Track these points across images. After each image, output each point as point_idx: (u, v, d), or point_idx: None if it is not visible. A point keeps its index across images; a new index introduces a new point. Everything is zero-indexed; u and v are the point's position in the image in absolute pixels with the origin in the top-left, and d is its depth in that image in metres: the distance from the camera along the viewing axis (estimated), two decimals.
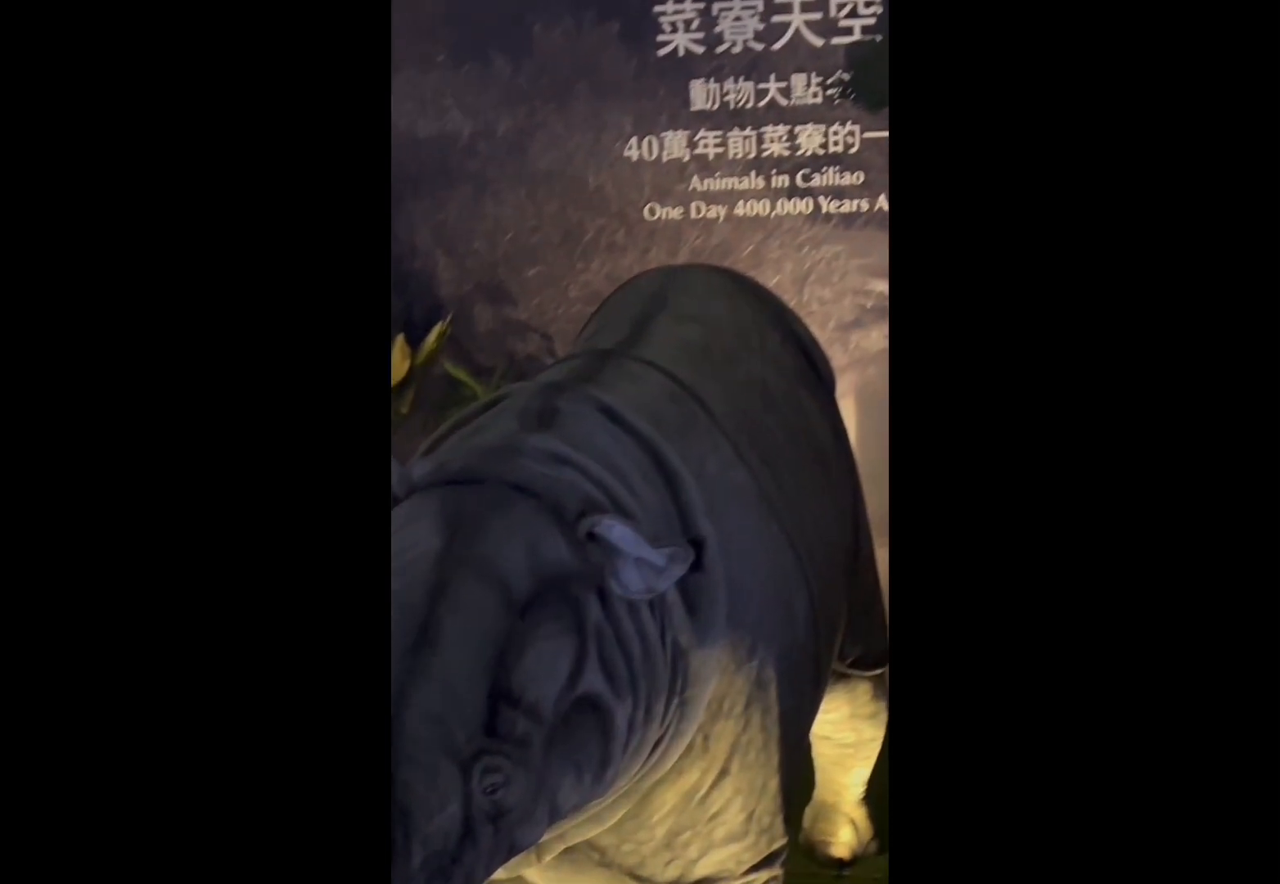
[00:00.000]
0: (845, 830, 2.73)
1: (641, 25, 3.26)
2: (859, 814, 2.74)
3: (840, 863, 2.72)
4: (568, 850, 1.79)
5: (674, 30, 3.21)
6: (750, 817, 1.85)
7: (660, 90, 3.27)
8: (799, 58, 3.17)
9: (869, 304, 3.33)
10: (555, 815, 1.60)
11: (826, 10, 3.19)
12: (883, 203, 3.32)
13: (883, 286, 3.37)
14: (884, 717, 2.59)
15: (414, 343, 3.48)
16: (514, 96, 3.44)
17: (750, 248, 3.28)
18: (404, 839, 1.39)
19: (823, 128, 3.20)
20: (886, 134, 3.27)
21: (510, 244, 3.59)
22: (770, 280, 2.94)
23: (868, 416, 3.08)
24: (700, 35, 3.21)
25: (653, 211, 3.36)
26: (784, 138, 3.23)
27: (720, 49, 3.19)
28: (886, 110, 3.02)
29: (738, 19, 3.18)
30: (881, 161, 3.24)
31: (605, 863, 1.86)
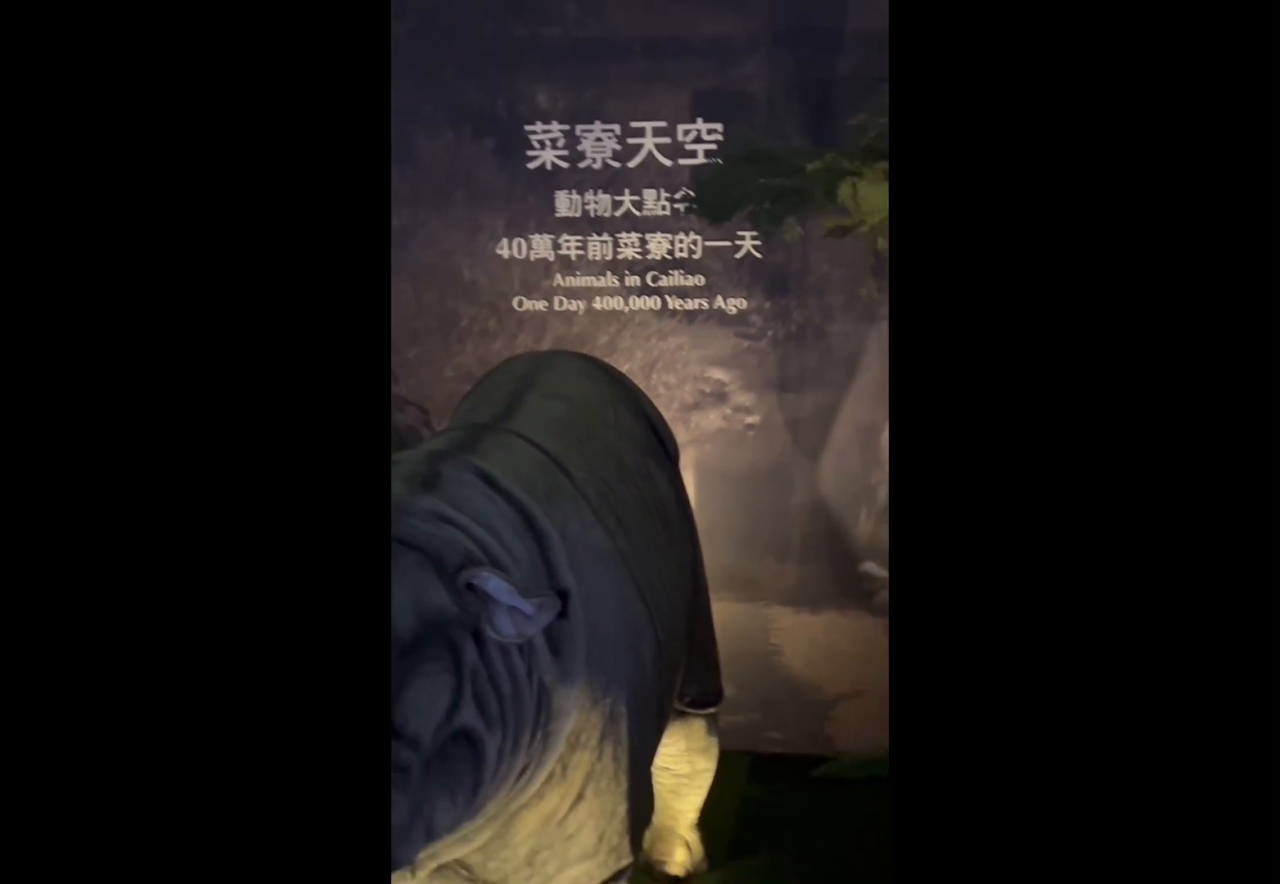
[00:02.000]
0: (680, 851, 2.93)
1: (513, 142, 3.48)
2: (693, 837, 2.94)
3: (675, 880, 2.91)
4: (440, 867, 1.90)
5: (542, 147, 3.45)
6: (601, 837, 1.98)
7: (529, 198, 3.50)
8: (650, 175, 3.42)
9: (707, 389, 3.55)
10: (431, 836, 1.71)
11: (674, 135, 3.45)
12: (720, 303, 3.56)
13: (720, 374, 3.63)
14: (715, 751, 2.86)
15: None
16: (400, 199, 3.55)
17: (606, 338, 3.50)
18: None
19: (670, 236, 3.45)
20: (727, 243, 3.55)
21: (394, 328, 3.77)
22: (623, 366, 3.09)
23: (704, 486, 3.36)
24: (565, 152, 3.45)
25: (520, 303, 3.57)
26: (636, 243, 3.48)
27: (582, 165, 3.43)
28: (727, 222, 3.31)
29: (598, 140, 3.41)
30: (721, 266, 3.56)
31: (472, 879, 1.97)
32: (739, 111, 3.46)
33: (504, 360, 2.88)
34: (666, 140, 3.40)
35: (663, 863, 2.93)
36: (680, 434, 3.01)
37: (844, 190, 3.13)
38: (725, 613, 3.08)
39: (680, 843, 2.93)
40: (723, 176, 3.30)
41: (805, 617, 3.74)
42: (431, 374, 3.61)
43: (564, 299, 3.55)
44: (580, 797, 1.95)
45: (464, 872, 1.95)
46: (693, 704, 2.68)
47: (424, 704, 1.62)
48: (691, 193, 3.35)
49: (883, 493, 3.79)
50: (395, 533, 1.73)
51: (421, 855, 1.78)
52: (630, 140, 3.40)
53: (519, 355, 2.96)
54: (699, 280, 3.47)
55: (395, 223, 3.70)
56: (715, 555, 3.03)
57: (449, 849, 1.87)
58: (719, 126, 3.36)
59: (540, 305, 3.58)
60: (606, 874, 2.01)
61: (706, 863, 2.97)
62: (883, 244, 3.26)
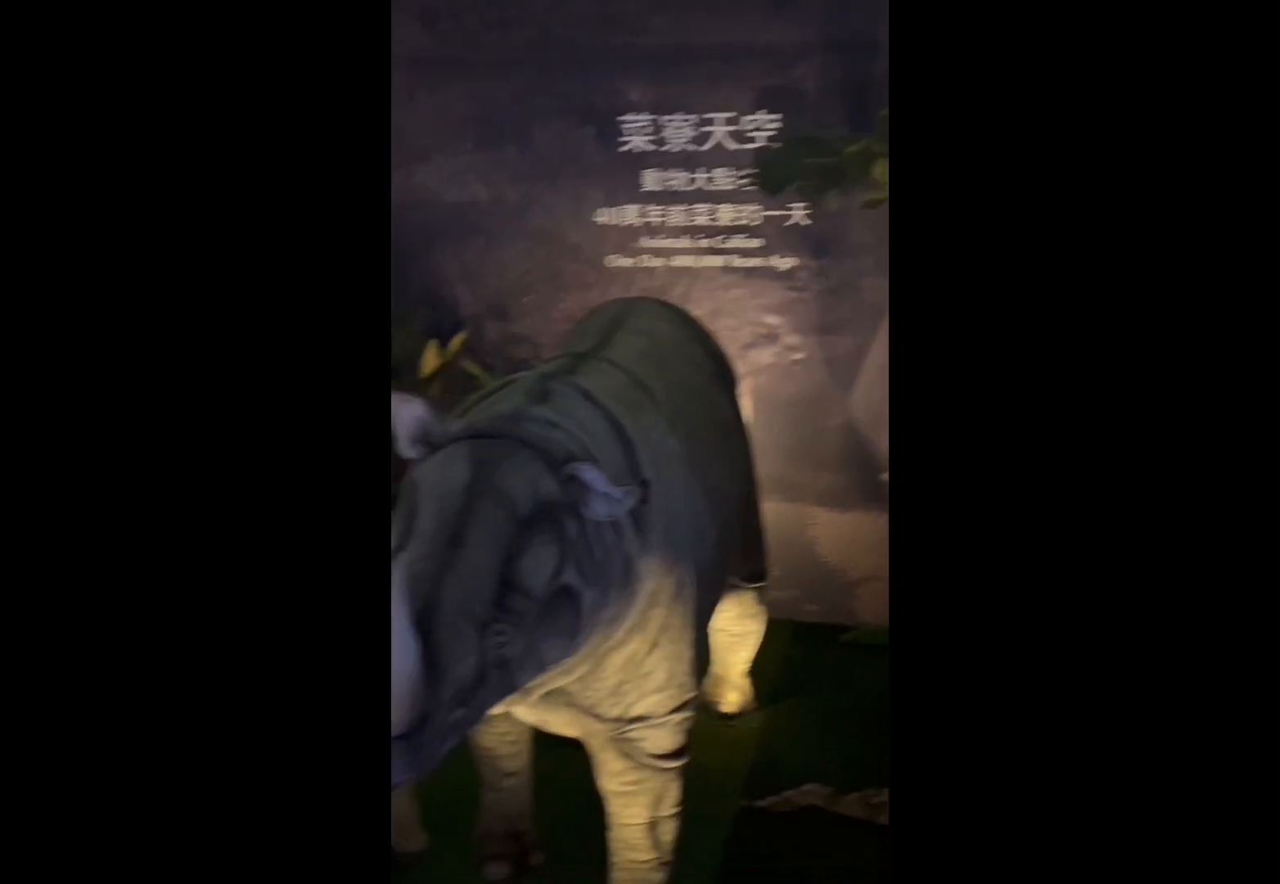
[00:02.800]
0: (733, 694, 3.32)
1: (609, 130, 3.82)
2: (743, 684, 3.32)
3: (727, 717, 3.31)
4: (546, 694, 2.08)
5: (632, 134, 3.79)
6: (670, 676, 2.16)
7: (621, 175, 3.82)
8: (719, 156, 3.73)
9: (762, 332, 3.85)
10: (540, 668, 1.87)
11: (739, 124, 3.73)
12: (773, 261, 3.84)
13: (772, 320, 3.91)
14: (763, 618, 3.22)
15: (443, 347, 3.87)
16: (519, 175, 3.93)
17: (681, 289, 3.85)
18: (436, 681, 1.63)
19: (734, 206, 3.77)
20: (781, 212, 3.85)
21: (511, 280, 4.09)
22: (694, 312, 3.30)
23: (758, 409, 3.62)
24: (651, 138, 3.77)
25: (612, 261, 3.96)
26: (707, 213, 3.84)
27: (664, 148, 3.76)
28: (780, 195, 3.64)
29: (678, 128, 3.73)
30: (775, 232, 3.85)
31: (570, 703, 2.16)
32: (793, 105, 3.68)
33: (599, 305, 3.22)
34: (733, 128, 3.70)
35: (718, 703, 3.30)
36: (739, 367, 3.30)
37: (877, 169, 3.40)
38: (773, 511, 3.39)
39: (733, 687, 3.30)
40: (778, 158, 3.65)
41: (836, 515, 4.00)
42: (541, 317, 3.98)
43: (648, 257, 3.93)
44: (655, 644, 2.13)
45: (564, 698, 2.13)
46: (745, 579, 3.05)
47: (536, 566, 1.78)
48: (753, 171, 3.67)
49: None
50: (516, 433, 1.89)
51: (532, 683, 1.92)
52: (704, 128, 3.73)
53: (611, 301, 3.27)
54: (757, 243, 3.81)
55: (514, 195, 4.09)
56: (766, 465, 3.28)
57: (553, 680, 2.00)
58: (777, 117, 3.62)
59: (628, 262, 3.91)
60: (673, 705, 2.21)
61: (754, 705, 3.33)
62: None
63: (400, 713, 1.66)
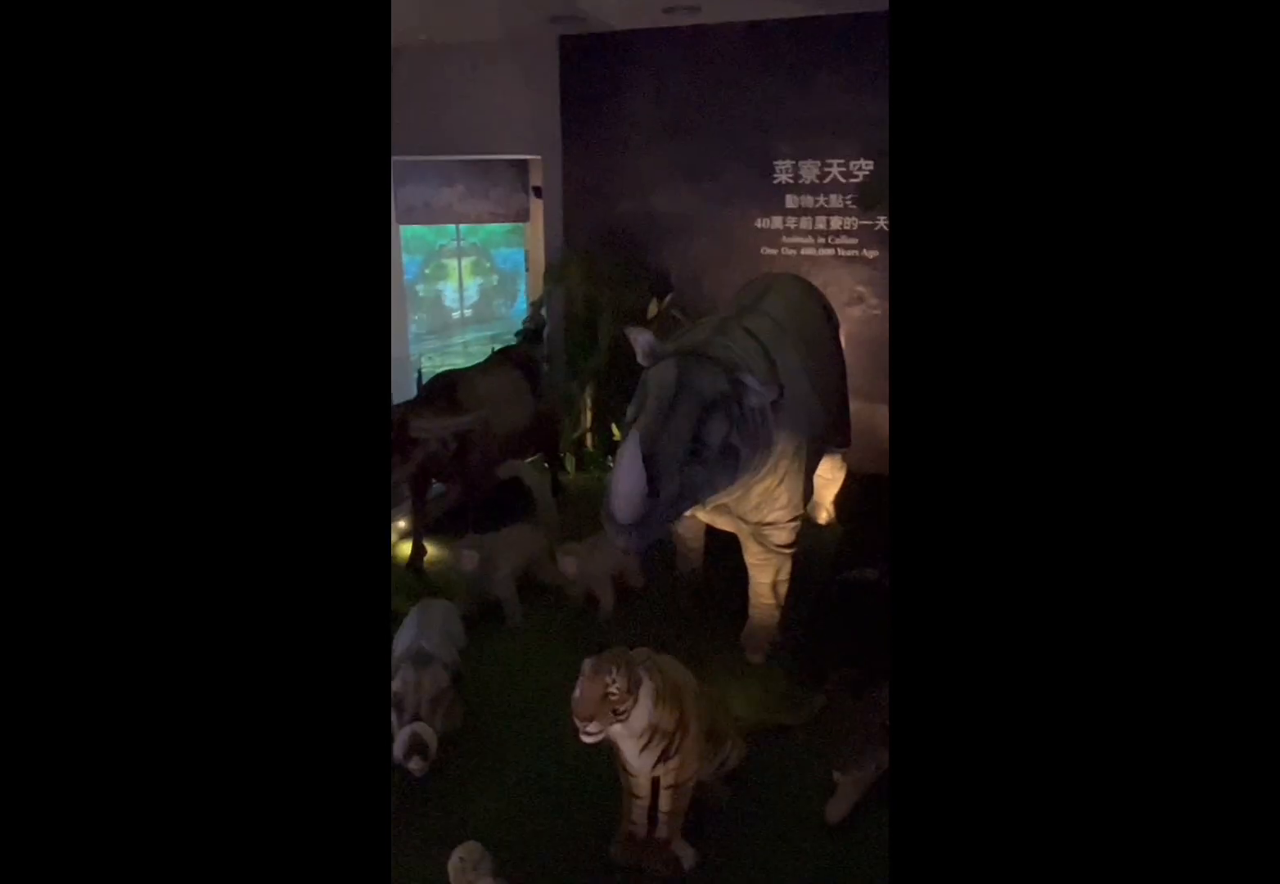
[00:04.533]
0: (823, 514, 4.59)
1: (766, 170, 5.15)
2: (830, 508, 4.60)
3: (821, 526, 4.49)
4: (714, 506, 3.07)
5: (780, 173, 5.17)
6: (790, 501, 3.18)
7: (773, 198, 5.21)
8: (834, 186, 5.04)
9: (855, 296, 5.15)
10: (714, 491, 2.81)
11: (848, 167, 4.92)
12: (863, 253, 4.94)
13: (861, 289, 5.01)
14: (844, 470, 4.35)
15: (660, 301, 5.07)
16: (710, 198, 5.14)
17: (807, 268, 5.06)
18: (654, 494, 2.55)
19: (842, 218, 5.08)
20: (870, 223, 4.88)
21: (703, 261, 5.33)
22: (814, 283, 4.35)
23: (849, 346, 4.53)
24: (791, 175, 5.15)
25: (764, 252, 5.28)
26: (824, 222, 5.12)
27: (800, 181, 5.12)
28: (870, 211, 4.69)
29: (808, 169, 5.09)
30: (866, 235, 4.92)
31: (729, 512, 3.18)
32: (880, 154, 4.79)
33: (755, 277, 4.27)
34: (843, 169, 5.00)
35: (816, 518, 4.51)
36: (840, 317, 4.42)
37: None
38: (855, 406, 4.51)
39: (824, 510, 4.60)
40: (870, 188, 4.89)
41: (885, 409, 3.95)
42: (719, 284, 5.27)
43: (787, 249, 5.22)
44: (781, 481, 3.04)
45: (725, 509, 3.09)
46: (836, 446, 4.06)
47: (714, 431, 2.62)
48: (854, 196, 4.95)
49: None
50: (706, 351, 2.76)
51: (709, 500, 2.79)
52: (824, 169, 5.03)
53: (763, 275, 4.31)
54: (854, 241, 5.09)
55: (706, 210, 5.13)
56: (853, 378, 4.40)
57: (720, 498, 2.89)
58: (870, 162, 4.91)
59: (774, 252, 5.25)
60: (790, 516, 3.20)
61: (835, 521, 4.61)
62: None
63: (631, 511, 2.47)
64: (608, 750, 2.39)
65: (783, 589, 3.40)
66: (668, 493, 2.51)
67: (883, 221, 4.98)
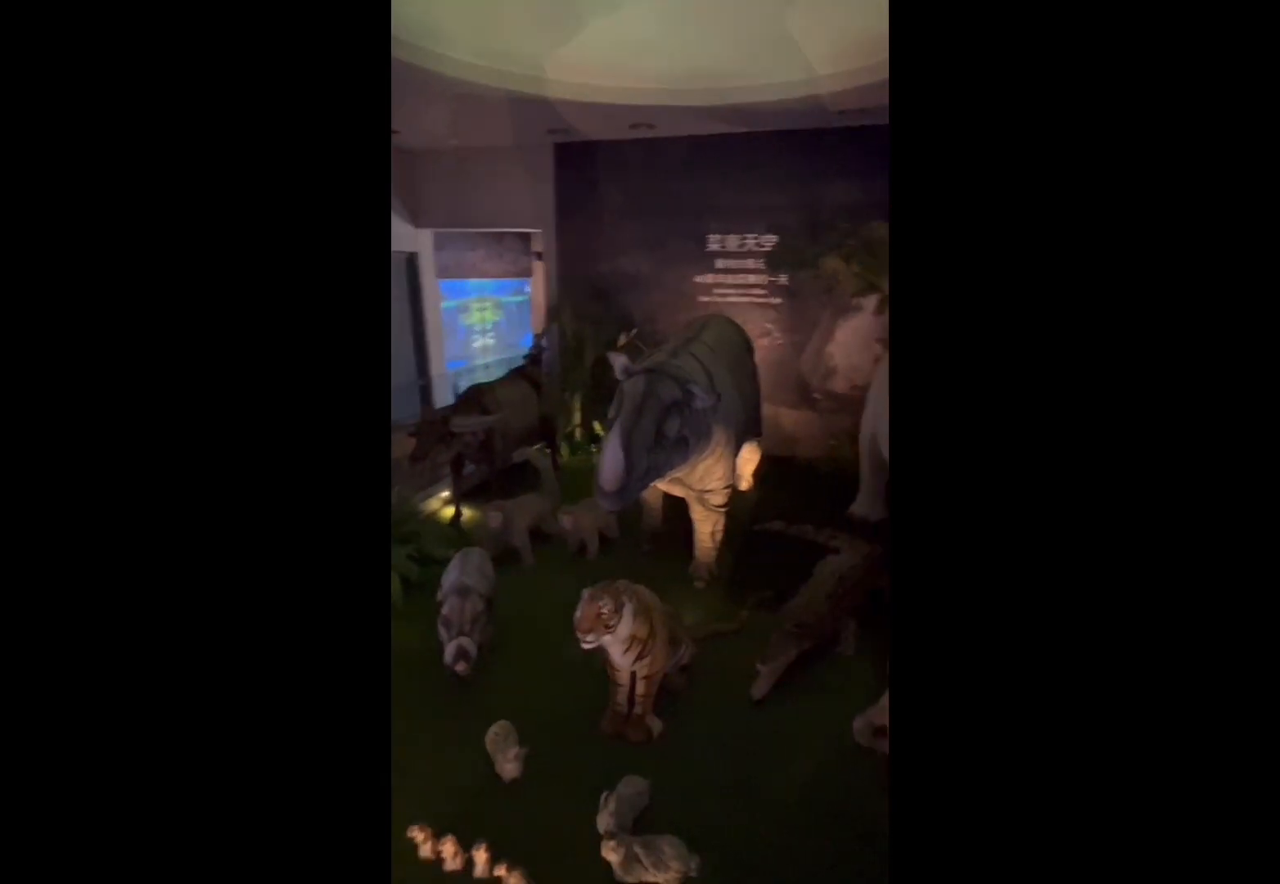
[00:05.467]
0: (745, 483, 4.31)
1: (702, 241, 5.08)
2: (751, 479, 4.37)
3: (743, 492, 4.23)
4: (671, 480, 3.01)
5: (712, 244, 5.11)
6: (724, 474, 3.12)
7: (706, 261, 5.15)
8: (750, 253, 4.94)
9: (765, 330, 5.05)
10: (671, 469, 2.80)
11: (759, 239, 4.76)
12: (770, 300, 4.84)
13: (769, 325, 4.91)
14: (759, 452, 4.11)
15: (628, 334, 5.01)
16: (659, 262, 5.02)
17: (732, 312, 4.93)
18: (629, 471, 2.49)
19: (755, 276, 4.98)
20: (776, 278, 4.75)
21: (655, 307, 5.25)
22: (737, 321, 4.21)
23: (761, 363, 4.41)
24: (720, 244, 5.06)
25: (701, 300, 5.22)
26: (744, 278, 5.05)
27: (726, 249, 5.05)
28: (777, 271, 4.60)
29: (733, 240, 4.99)
30: (772, 287, 4.82)
31: (681, 482, 3.11)
32: (784, 230, 4.83)
33: (695, 318, 4.21)
34: (756, 241, 4.98)
35: (739, 485, 4.20)
36: (756, 345, 4.34)
37: (825, 263, 4.52)
38: (766, 408, 4.47)
39: (745, 480, 4.39)
40: (774, 255, 4.89)
41: (788, 411, 5.17)
42: (668, 323, 5.21)
43: (718, 298, 5.20)
44: (718, 461, 3.02)
45: (679, 480, 3.04)
46: (753, 435, 3.98)
47: (671, 426, 2.60)
48: (765, 261, 4.86)
49: (824, 368, 4.89)
50: (663, 370, 2.65)
51: (667, 475, 2.77)
52: (743, 241, 5.02)
53: (700, 316, 4.18)
54: (764, 292, 5.06)
55: (656, 270, 5.03)
56: (763, 389, 4.33)
57: (675, 474, 2.89)
58: (775, 237, 4.89)
59: (708, 299, 5.22)
60: (723, 484, 3.12)
61: (755, 487, 4.43)
62: (836, 287, 4.56)
63: (614, 482, 2.44)
64: (598, 655, 2.40)
65: (719, 536, 3.40)
66: (639, 470, 2.53)
67: (784, 278, 4.97)
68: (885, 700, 2.31)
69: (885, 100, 3.76)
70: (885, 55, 3.18)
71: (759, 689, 2.60)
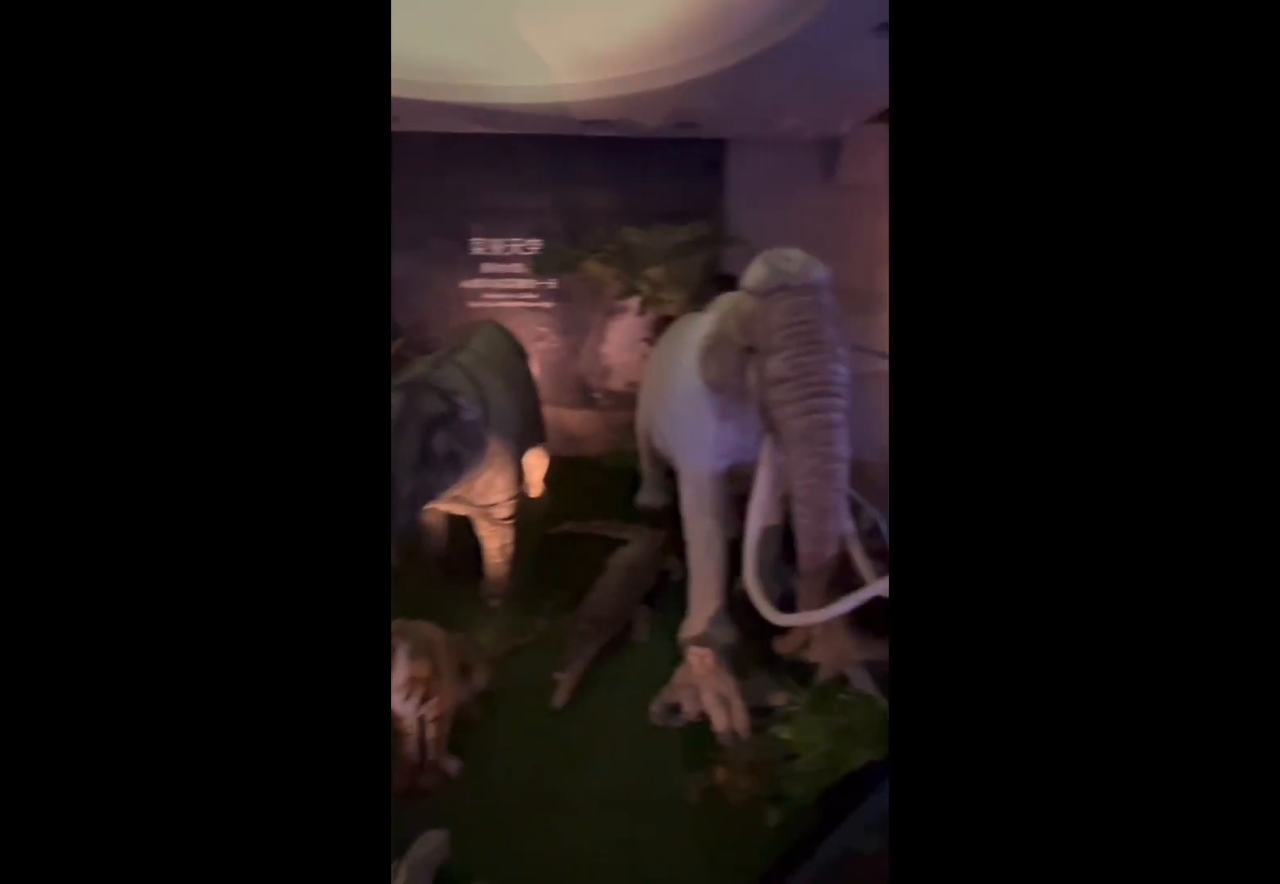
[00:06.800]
0: (535, 490, 4.01)
1: (466, 244, 4.70)
2: (540, 484, 4.03)
3: (532, 499, 3.97)
4: (451, 498, 2.64)
5: (477, 247, 4.79)
6: (507, 485, 2.83)
7: (473, 265, 4.75)
8: (518, 257, 4.68)
9: (537, 334, 4.83)
10: (445, 488, 2.36)
11: (524, 244, 4.62)
12: (540, 303, 4.73)
13: (541, 328, 4.76)
14: (546, 457, 3.93)
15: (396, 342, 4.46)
16: (430, 267, 4.67)
17: (502, 317, 4.49)
18: (395, 493, 2.05)
19: (522, 280, 4.81)
20: (544, 282, 4.62)
21: (423, 314, 4.83)
22: (507, 326, 3.86)
23: (536, 366, 4.21)
24: (484, 248, 4.73)
25: (470, 305, 4.91)
26: (513, 283, 4.87)
27: (492, 253, 4.74)
28: (543, 275, 4.46)
29: (499, 244, 4.73)
30: (542, 291, 4.70)
31: (461, 499, 2.82)
32: (547, 235, 4.77)
33: (463, 324, 3.94)
34: (522, 246, 4.83)
35: (528, 493, 3.88)
36: (529, 349, 4.07)
37: (588, 266, 4.48)
38: (548, 411, 4.23)
39: (535, 486, 4.07)
40: (541, 259, 4.77)
41: (571, 412, 5.14)
42: (436, 331, 4.70)
43: (486, 303, 4.92)
44: (499, 473, 2.80)
45: (459, 498, 2.75)
46: (536, 441, 3.77)
47: (439, 443, 2.22)
48: (530, 265, 4.71)
49: (601, 368, 4.92)
50: (425, 382, 2.31)
51: (443, 494, 2.36)
52: (509, 245, 4.83)
53: (469, 322, 3.94)
54: (535, 296, 4.95)
55: (428, 278, 4.64)
56: (544, 392, 4.15)
57: (452, 493, 2.55)
58: (541, 240, 4.78)
59: (478, 305, 4.93)
60: (508, 497, 2.91)
61: (544, 493, 4.04)
62: (603, 290, 4.48)
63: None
64: None
65: (509, 550, 3.28)
66: (403, 494, 2.29)
67: (553, 282, 4.92)
68: (676, 679, 2.35)
69: (629, 114, 3.79)
70: (628, 71, 3.20)
71: (560, 698, 2.57)
